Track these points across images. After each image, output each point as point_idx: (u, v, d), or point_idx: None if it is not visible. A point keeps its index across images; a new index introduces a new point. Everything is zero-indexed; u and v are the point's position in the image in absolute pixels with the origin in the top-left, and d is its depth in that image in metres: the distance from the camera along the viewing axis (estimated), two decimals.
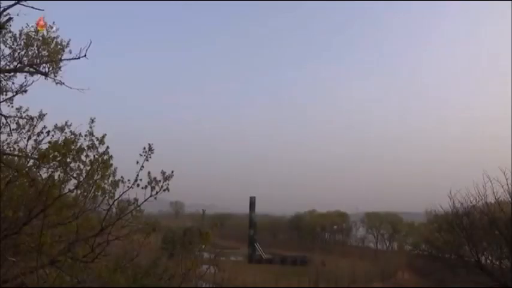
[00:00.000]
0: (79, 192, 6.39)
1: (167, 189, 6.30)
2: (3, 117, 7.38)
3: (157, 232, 7.75)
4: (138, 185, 6.27)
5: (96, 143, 6.39)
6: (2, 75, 7.39)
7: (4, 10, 7.02)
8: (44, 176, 6.42)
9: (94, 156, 6.37)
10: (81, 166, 6.35)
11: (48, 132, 7.00)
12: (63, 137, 6.57)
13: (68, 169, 6.27)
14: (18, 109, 7.45)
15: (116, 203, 6.48)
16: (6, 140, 7.30)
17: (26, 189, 6.32)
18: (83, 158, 6.34)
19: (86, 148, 6.34)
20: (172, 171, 6.36)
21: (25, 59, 7.45)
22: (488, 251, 22.79)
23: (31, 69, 7.54)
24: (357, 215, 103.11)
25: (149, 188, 6.25)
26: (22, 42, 7.39)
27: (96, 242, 6.37)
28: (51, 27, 7.48)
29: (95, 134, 6.45)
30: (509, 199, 19.91)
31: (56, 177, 6.19)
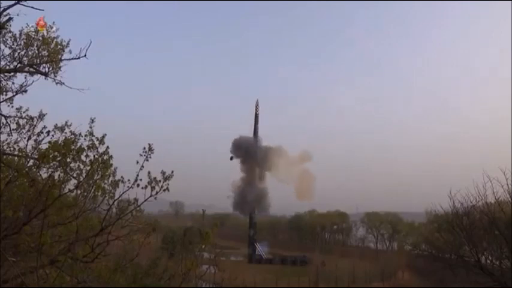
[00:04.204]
0: (79, 192, 6.40)
1: (167, 189, 6.30)
2: (3, 117, 7.38)
3: (157, 232, 7.75)
4: (138, 185, 6.27)
5: (96, 143, 6.39)
6: (2, 75, 7.39)
7: (4, 10, 7.02)
8: (44, 176, 6.43)
9: (94, 156, 6.37)
10: (81, 166, 6.35)
11: (48, 132, 7.00)
12: (63, 137, 6.58)
13: (68, 169, 6.27)
14: (18, 109, 7.44)
15: (116, 203, 6.48)
16: (6, 140, 7.31)
17: (26, 189, 6.32)
18: (83, 158, 6.34)
19: (86, 148, 6.34)
20: (172, 171, 6.37)
21: (25, 59, 7.45)
22: (488, 251, 22.74)
23: (31, 69, 7.54)
24: (357, 215, 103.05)
25: (149, 188, 6.25)
26: (22, 42, 7.38)
27: (96, 242, 6.37)
28: (51, 27, 7.48)
29: (95, 134, 6.46)
30: (509, 199, 19.91)
31: (56, 177, 6.19)
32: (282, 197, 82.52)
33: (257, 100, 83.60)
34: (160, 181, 6.28)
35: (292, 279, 50.37)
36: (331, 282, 50.80)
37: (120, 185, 6.41)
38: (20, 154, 7.13)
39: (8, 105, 7.46)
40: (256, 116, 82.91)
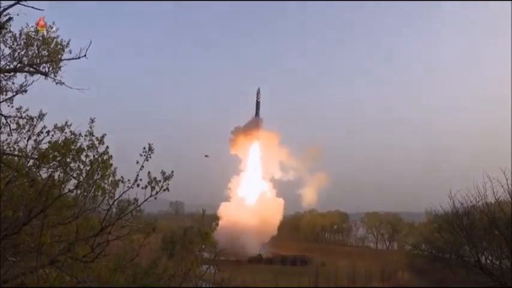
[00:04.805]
0: (79, 192, 6.40)
1: (167, 189, 6.31)
2: (3, 117, 7.39)
3: (157, 232, 7.74)
4: (138, 185, 6.28)
5: (96, 143, 6.40)
6: (2, 75, 7.39)
7: (4, 10, 7.03)
8: (44, 176, 6.44)
9: (94, 156, 6.38)
10: (81, 166, 6.36)
11: (48, 132, 7.01)
12: (63, 137, 6.58)
13: (68, 169, 6.28)
14: (18, 109, 7.45)
15: (116, 203, 6.49)
16: (6, 140, 7.31)
17: (26, 189, 6.33)
18: (83, 158, 6.35)
19: (85, 148, 6.35)
20: (172, 171, 6.38)
21: (25, 59, 7.45)
22: (488, 251, 22.75)
23: (31, 69, 7.54)
24: (357, 215, 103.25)
25: (149, 188, 6.26)
26: (22, 42, 7.38)
27: (96, 242, 6.38)
28: (51, 27, 7.49)
29: (94, 134, 6.46)
30: (509, 199, 19.92)
31: (56, 177, 6.20)
32: (282, 196, 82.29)
33: (258, 88, 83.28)
34: (160, 181, 6.29)
35: (292, 279, 50.38)
36: (331, 282, 50.81)
37: (120, 185, 6.42)
38: (20, 154, 7.14)
39: (8, 105, 7.47)
40: (258, 103, 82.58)
